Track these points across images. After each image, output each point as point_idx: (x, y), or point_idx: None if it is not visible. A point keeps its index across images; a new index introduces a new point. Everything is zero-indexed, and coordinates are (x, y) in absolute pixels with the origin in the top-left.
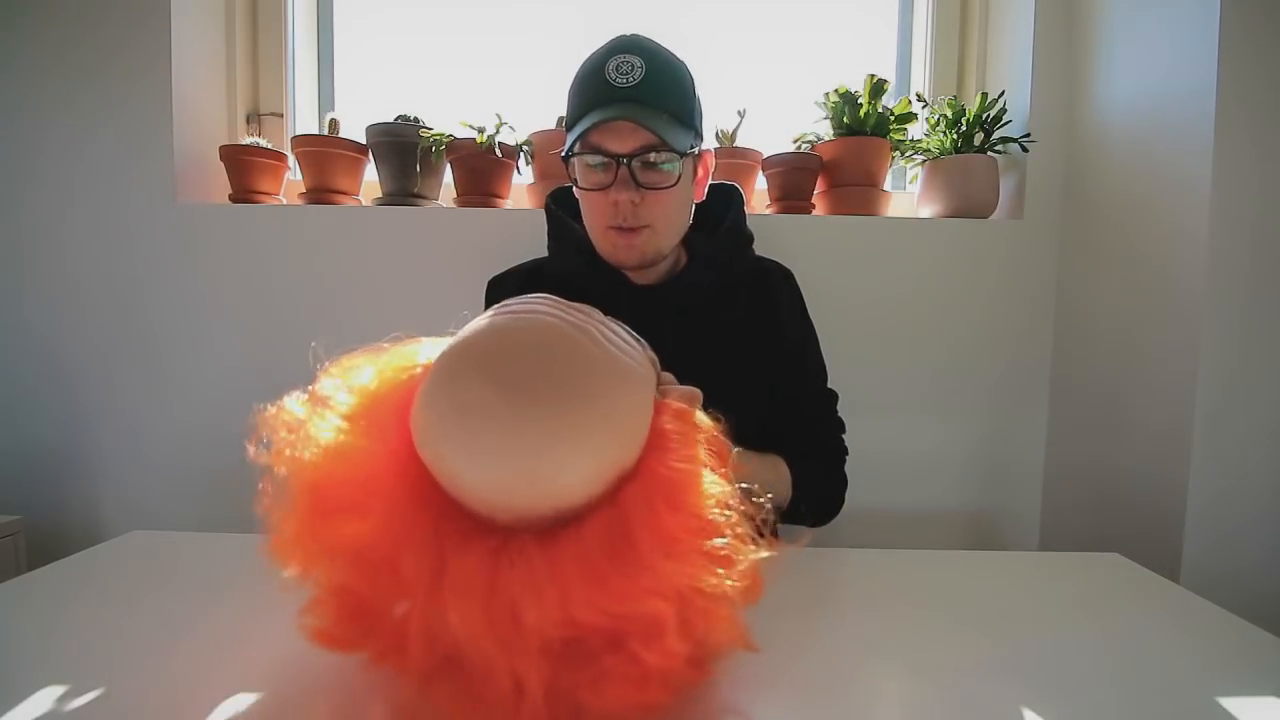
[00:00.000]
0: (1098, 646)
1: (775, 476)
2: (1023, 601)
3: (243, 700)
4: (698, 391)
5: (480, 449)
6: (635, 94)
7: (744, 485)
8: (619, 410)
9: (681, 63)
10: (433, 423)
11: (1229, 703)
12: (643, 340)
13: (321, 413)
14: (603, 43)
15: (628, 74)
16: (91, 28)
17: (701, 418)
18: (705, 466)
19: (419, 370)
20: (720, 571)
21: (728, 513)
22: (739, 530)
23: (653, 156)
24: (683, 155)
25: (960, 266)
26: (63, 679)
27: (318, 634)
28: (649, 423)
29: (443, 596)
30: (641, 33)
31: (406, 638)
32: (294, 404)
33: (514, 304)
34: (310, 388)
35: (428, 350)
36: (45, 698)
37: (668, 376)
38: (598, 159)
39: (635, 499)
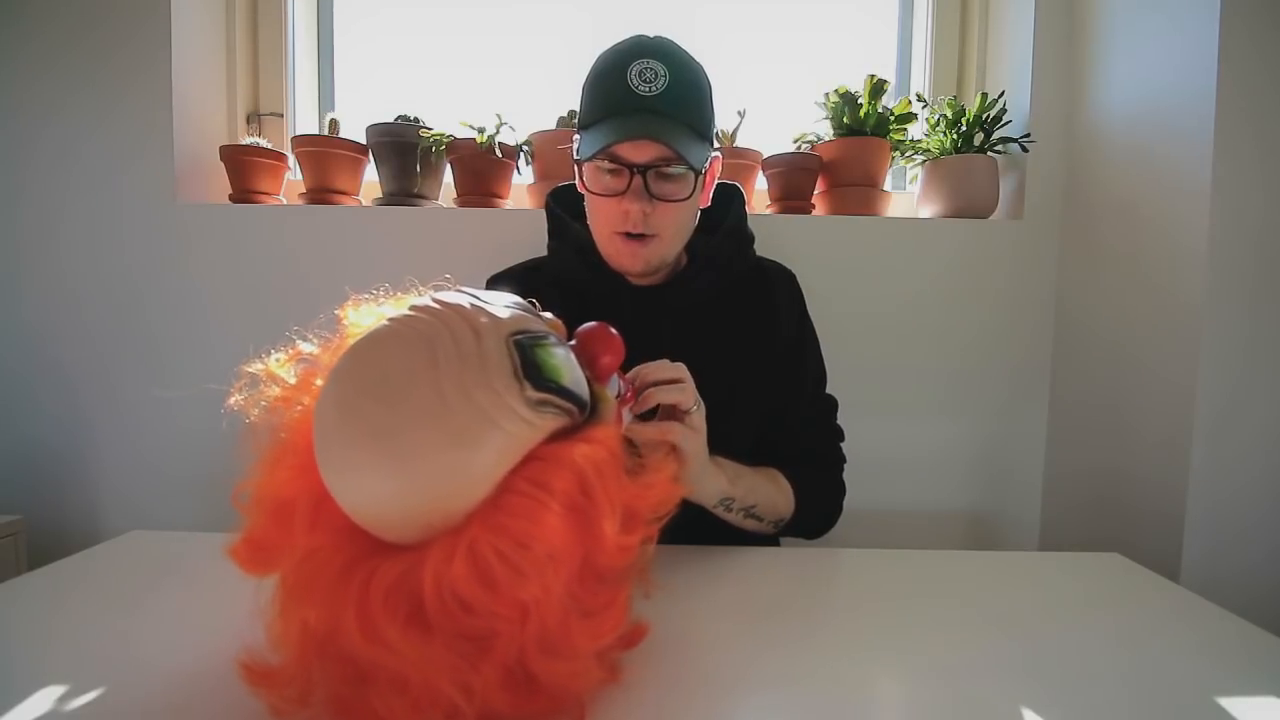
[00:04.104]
0: (1098, 646)
1: (774, 489)
2: (1023, 601)
3: (243, 700)
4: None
5: (319, 454)
6: (656, 104)
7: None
8: (431, 467)
9: (702, 70)
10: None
11: (1229, 703)
12: (562, 374)
13: (293, 362)
14: (622, 39)
15: (651, 81)
16: (91, 27)
17: (614, 472)
18: (554, 549)
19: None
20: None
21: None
22: (574, 625)
23: (668, 169)
24: (699, 173)
25: (960, 267)
26: (63, 679)
27: (230, 549)
28: (487, 483)
29: (296, 555)
30: (663, 34)
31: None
32: (275, 357)
33: (424, 305)
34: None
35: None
36: (45, 698)
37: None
38: (612, 166)
39: (434, 562)
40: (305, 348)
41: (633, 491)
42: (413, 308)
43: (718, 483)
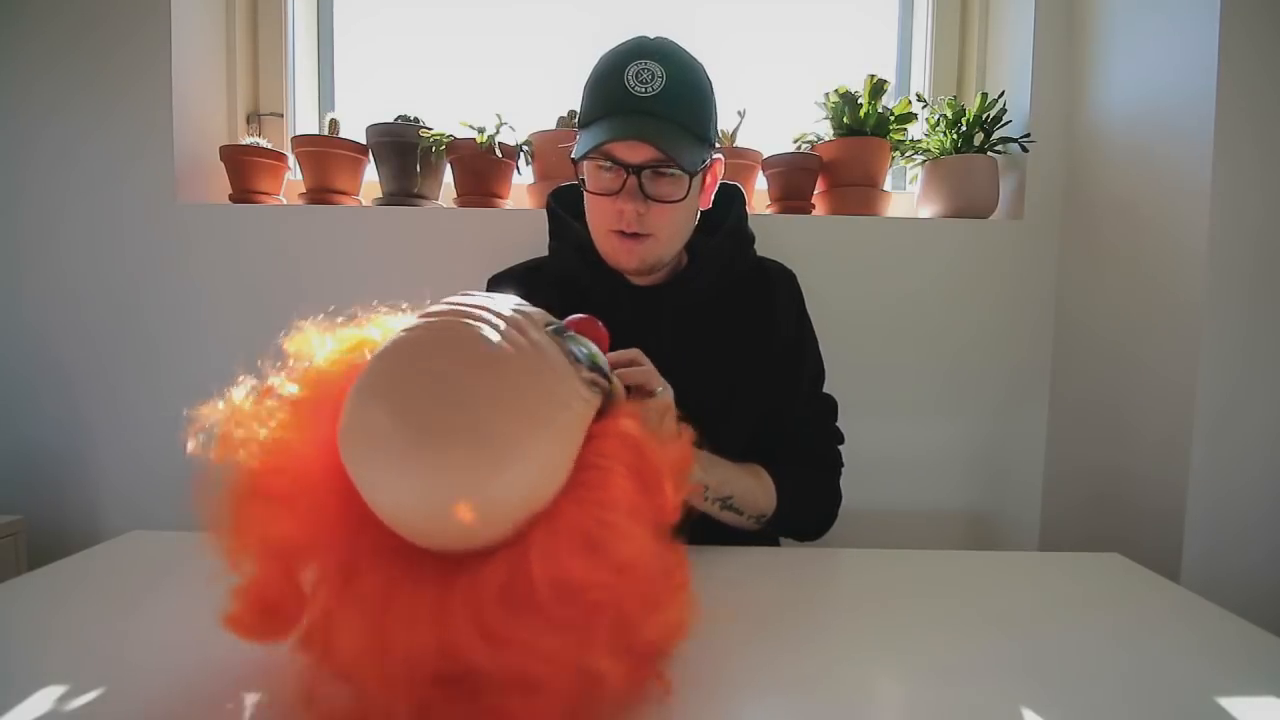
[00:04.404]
0: (1098, 646)
1: (754, 483)
2: (1023, 601)
3: (243, 700)
4: (664, 388)
5: (376, 477)
6: (653, 105)
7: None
8: (522, 453)
9: (703, 71)
10: (343, 440)
11: (1229, 703)
12: (598, 356)
13: (266, 399)
14: (624, 40)
15: (648, 83)
16: (91, 27)
17: (653, 439)
18: (634, 509)
19: (362, 360)
20: (628, 627)
21: (650, 560)
22: (662, 580)
23: (662, 170)
24: (691, 175)
25: (960, 266)
26: (63, 679)
27: (230, 619)
28: (568, 463)
29: (342, 608)
30: (665, 35)
31: (310, 637)
32: (239, 395)
33: (443, 309)
34: (257, 378)
35: (377, 335)
36: (45, 698)
37: (628, 356)
38: (608, 165)
39: (541, 547)
40: (276, 382)
41: (668, 456)
42: (431, 314)
43: None
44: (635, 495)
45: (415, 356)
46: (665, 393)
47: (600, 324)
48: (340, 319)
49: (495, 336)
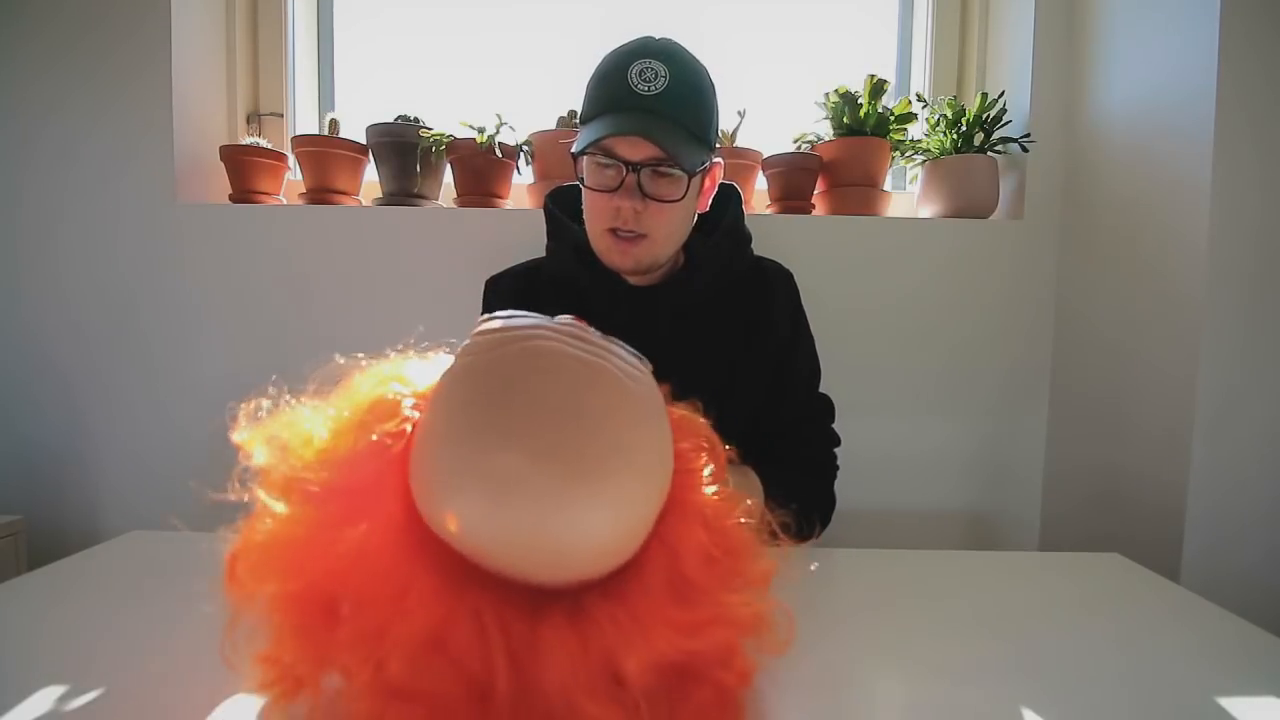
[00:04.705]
0: (1098, 646)
1: (739, 482)
2: (1023, 601)
3: (243, 700)
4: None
5: (524, 527)
6: (654, 104)
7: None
8: (654, 452)
9: (706, 74)
10: (459, 505)
11: (1229, 703)
12: (634, 350)
13: (292, 500)
14: (631, 39)
15: (650, 81)
16: (91, 27)
17: (699, 419)
18: (722, 478)
19: (406, 426)
20: (756, 578)
21: (749, 519)
22: (759, 532)
23: (662, 169)
24: (691, 175)
25: (960, 266)
26: (63, 679)
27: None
28: (673, 449)
29: (530, 670)
30: (670, 36)
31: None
32: (261, 513)
33: (494, 335)
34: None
35: (396, 389)
36: (45, 698)
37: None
38: (607, 161)
39: (680, 533)
40: (303, 478)
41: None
42: (484, 345)
43: None
44: (708, 461)
45: (517, 387)
46: None
47: (586, 325)
48: (315, 384)
49: (574, 350)
